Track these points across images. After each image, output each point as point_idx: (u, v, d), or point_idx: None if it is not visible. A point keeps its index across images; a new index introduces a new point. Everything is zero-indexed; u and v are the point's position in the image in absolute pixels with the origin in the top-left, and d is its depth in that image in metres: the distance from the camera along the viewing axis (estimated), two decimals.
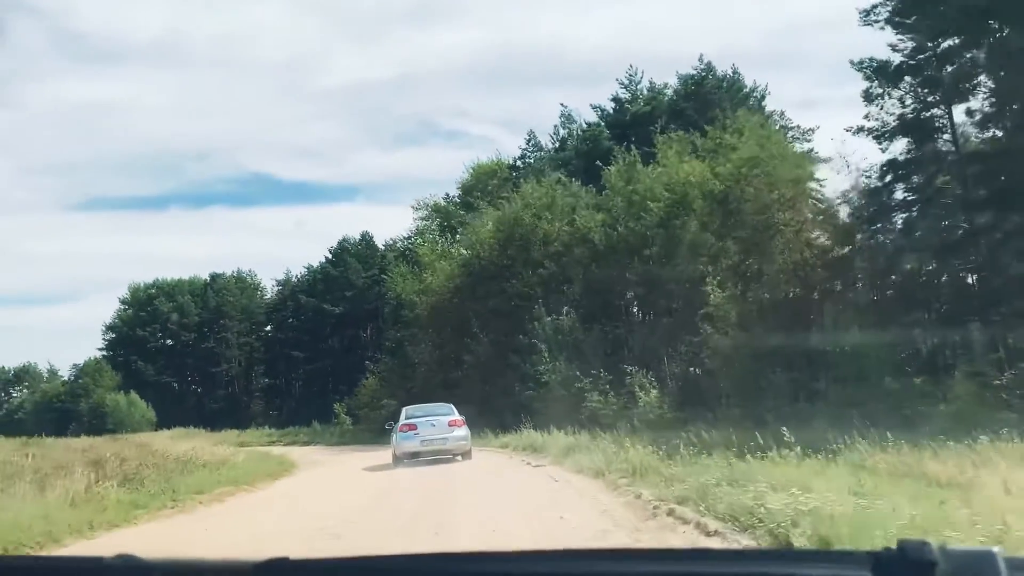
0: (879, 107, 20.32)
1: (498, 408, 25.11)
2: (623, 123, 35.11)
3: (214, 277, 74.73)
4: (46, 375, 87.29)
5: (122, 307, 75.37)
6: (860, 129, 20.48)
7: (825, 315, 18.41)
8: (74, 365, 76.81)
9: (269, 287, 73.37)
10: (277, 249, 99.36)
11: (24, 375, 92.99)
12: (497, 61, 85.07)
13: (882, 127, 20.28)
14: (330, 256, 63.02)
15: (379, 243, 60.66)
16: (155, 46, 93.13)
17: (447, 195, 43.47)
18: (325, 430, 39.39)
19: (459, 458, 16.93)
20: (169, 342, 70.91)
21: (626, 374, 19.16)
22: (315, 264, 65.48)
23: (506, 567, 1.42)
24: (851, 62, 20.86)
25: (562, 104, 40.28)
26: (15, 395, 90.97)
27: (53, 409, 70.03)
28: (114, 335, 74.35)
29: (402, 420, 17.68)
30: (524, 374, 24.19)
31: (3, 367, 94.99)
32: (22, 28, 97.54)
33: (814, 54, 71.29)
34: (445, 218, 40.95)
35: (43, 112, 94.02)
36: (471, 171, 41.87)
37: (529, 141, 41.05)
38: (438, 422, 17.17)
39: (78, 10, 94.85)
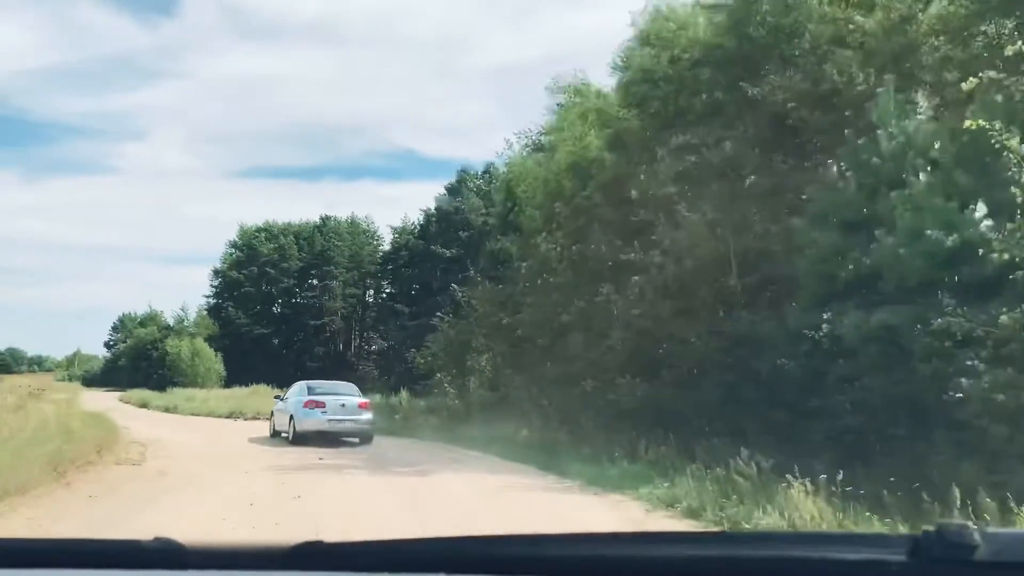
0: None
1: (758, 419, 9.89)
2: None
3: (324, 220, 65.55)
4: (171, 322, 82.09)
5: (229, 250, 67.95)
6: None
7: None
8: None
9: (387, 238, 63.58)
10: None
11: (150, 322, 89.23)
12: None
13: None
14: (446, 192, 51.39)
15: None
16: (315, 23, 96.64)
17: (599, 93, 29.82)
18: (405, 402, 27.32)
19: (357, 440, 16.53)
20: (268, 289, 62.44)
21: None
22: (432, 208, 54.26)
23: (536, 550, 1.44)
24: None
25: None
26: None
27: (145, 356, 63.86)
28: (220, 280, 67.13)
29: (305, 396, 17.09)
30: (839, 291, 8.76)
31: (133, 313, 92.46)
32: (194, 2, 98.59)
33: None
34: (593, 112, 27.28)
35: (211, 83, 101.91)
36: (627, 49, 27.00)
37: None
38: (348, 402, 16.95)
39: None
